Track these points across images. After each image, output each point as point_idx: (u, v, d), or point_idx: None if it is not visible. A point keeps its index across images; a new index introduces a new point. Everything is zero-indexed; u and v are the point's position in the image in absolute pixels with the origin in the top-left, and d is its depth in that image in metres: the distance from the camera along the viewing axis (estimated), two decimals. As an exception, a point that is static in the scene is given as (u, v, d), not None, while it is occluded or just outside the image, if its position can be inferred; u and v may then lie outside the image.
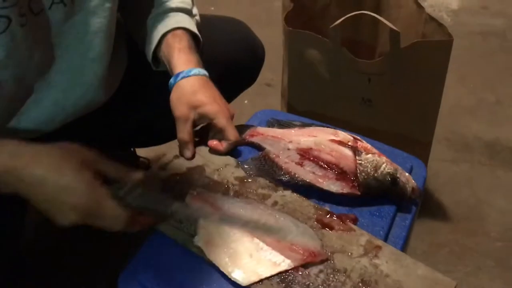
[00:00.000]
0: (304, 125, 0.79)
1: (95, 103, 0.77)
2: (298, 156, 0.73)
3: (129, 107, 0.89)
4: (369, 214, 0.68)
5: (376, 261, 0.61)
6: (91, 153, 0.59)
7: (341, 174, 0.70)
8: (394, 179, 0.69)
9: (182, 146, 0.74)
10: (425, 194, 1.21)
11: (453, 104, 1.46)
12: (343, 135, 0.75)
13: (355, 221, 0.67)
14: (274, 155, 0.74)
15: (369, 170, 0.69)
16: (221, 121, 0.73)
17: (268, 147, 0.75)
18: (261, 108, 0.91)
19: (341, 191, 0.69)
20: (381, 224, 0.67)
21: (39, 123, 0.72)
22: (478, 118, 1.47)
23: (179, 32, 0.78)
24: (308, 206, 0.67)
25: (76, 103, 0.74)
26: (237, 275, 0.59)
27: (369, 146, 0.74)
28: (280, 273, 0.59)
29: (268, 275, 0.59)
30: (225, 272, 0.59)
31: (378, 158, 0.71)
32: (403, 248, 0.67)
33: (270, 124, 0.82)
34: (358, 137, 0.75)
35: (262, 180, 0.71)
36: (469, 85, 1.60)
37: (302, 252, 0.60)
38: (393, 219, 0.69)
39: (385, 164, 0.70)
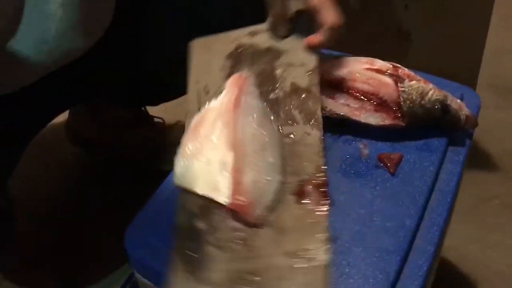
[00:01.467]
0: (331, 57, 0.69)
1: (74, 52, 0.65)
2: (329, 89, 0.62)
3: (127, 52, 0.79)
4: (415, 149, 0.58)
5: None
6: None
7: (381, 104, 0.60)
8: (444, 106, 0.58)
9: (273, 22, 0.61)
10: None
11: (497, 47, 1.32)
12: (380, 63, 0.64)
13: (399, 160, 0.56)
14: (299, 91, 0.64)
15: (414, 97, 0.59)
16: None
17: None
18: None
19: (382, 123, 0.59)
20: (430, 159, 0.57)
21: (11, 87, 0.62)
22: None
23: None
24: (310, 163, 0.52)
25: (51, 56, 0.62)
26: (179, 170, 0.51)
27: (411, 73, 0.63)
28: (212, 201, 0.49)
29: (198, 192, 0.50)
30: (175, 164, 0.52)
31: (424, 85, 0.60)
32: (456, 189, 0.57)
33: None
34: (398, 65, 0.64)
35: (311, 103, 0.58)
36: (513, 27, 1.45)
37: (242, 199, 0.49)
38: (445, 153, 0.58)
39: (432, 90, 0.60)
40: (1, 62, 0.59)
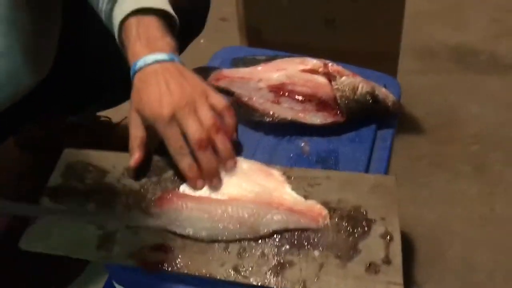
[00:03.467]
0: (269, 59, 0.75)
1: (21, 90, 0.69)
2: (272, 94, 0.69)
3: (72, 74, 0.82)
4: (349, 141, 0.66)
5: None
6: None
7: (321, 104, 0.67)
8: (374, 96, 0.66)
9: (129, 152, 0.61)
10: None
11: (414, 12, 1.42)
12: (312, 63, 0.72)
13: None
14: (246, 98, 0.69)
15: (348, 93, 0.67)
16: (158, 128, 0.57)
17: (237, 90, 0.71)
18: (219, 45, 0.84)
19: (324, 121, 0.66)
20: (361, 149, 0.65)
21: None
22: (441, 24, 1.45)
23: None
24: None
25: None
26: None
27: (340, 68, 0.71)
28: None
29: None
30: None
31: (353, 79, 0.68)
32: (387, 170, 0.66)
33: (235, 64, 0.77)
34: (328, 62, 0.72)
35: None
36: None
37: None
38: (374, 141, 0.67)
39: (361, 83, 0.68)
40: None
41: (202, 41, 1.35)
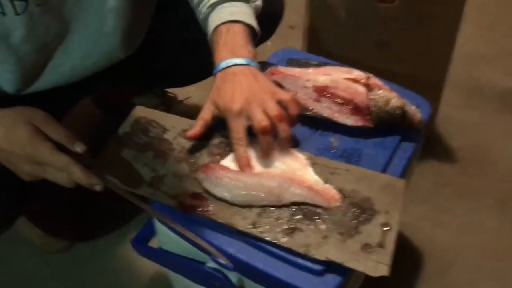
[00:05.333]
0: (320, 64, 0.85)
1: (113, 62, 0.85)
2: (316, 93, 0.79)
3: (151, 54, 0.96)
4: (373, 145, 0.76)
5: None
6: (40, 115, 0.63)
7: (355, 109, 0.77)
8: (403, 111, 0.76)
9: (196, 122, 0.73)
10: (435, 138, 1.28)
11: (471, 52, 1.48)
12: (356, 73, 0.81)
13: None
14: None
15: (380, 104, 0.76)
16: (227, 118, 0.70)
17: (287, 85, 0.81)
18: (282, 49, 0.96)
19: (355, 124, 0.76)
20: (383, 153, 0.75)
21: (54, 85, 0.80)
22: (495, 67, 1.49)
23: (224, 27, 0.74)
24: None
25: (92, 68, 0.82)
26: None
27: (380, 82, 0.80)
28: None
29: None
30: None
31: (388, 94, 0.77)
32: (401, 176, 0.73)
33: (290, 63, 0.87)
34: (370, 75, 0.81)
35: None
36: (490, 35, 1.61)
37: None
38: (395, 150, 0.76)
39: (395, 99, 0.77)
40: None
41: (269, 43, 1.48)
